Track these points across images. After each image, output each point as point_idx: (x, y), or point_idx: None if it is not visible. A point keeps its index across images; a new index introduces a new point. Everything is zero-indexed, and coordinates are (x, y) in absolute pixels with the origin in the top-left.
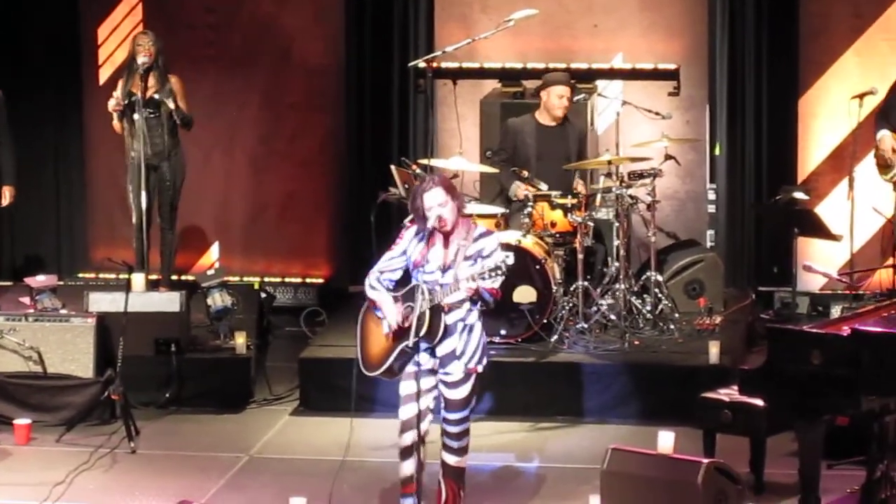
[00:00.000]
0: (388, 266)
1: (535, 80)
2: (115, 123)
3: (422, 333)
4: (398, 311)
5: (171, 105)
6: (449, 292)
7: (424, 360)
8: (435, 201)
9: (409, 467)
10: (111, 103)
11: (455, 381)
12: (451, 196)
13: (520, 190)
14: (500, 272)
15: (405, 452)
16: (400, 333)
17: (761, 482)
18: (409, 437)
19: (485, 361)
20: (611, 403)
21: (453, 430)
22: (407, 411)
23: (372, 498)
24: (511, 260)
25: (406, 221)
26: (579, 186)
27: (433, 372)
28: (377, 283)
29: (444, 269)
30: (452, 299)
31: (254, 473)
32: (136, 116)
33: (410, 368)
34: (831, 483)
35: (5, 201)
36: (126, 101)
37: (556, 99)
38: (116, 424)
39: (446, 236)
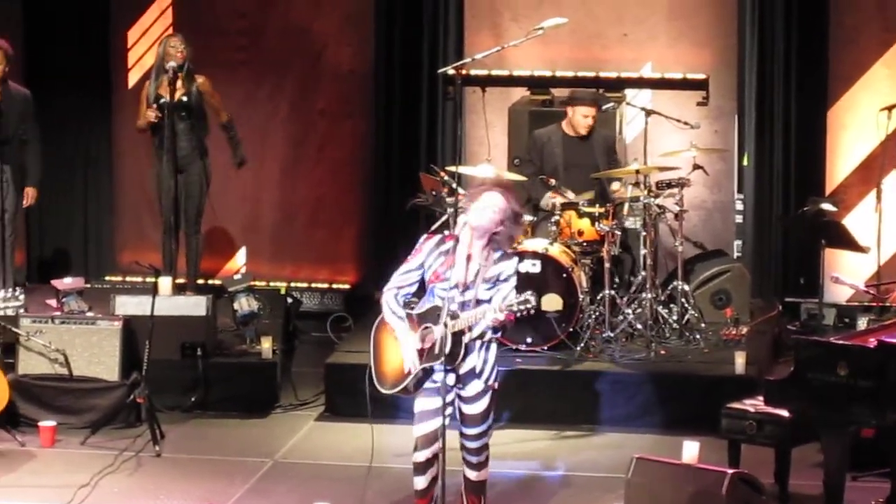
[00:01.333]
0: (404, 280)
1: (564, 88)
2: (142, 124)
3: (442, 358)
4: (415, 343)
5: (237, 156)
6: (472, 320)
7: (440, 376)
8: (490, 200)
9: (422, 482)
10: (150, 115)
11: (473, 396)
12: (503, 217)
13: (553, 203)
14: (528, 305)
15: (420, 468)
16: (418, 354)
17: (786, 493)
18: (424, 454)
19: (499, 376)
20: (636, 412)
21: (472, 445)
22: (422, 428)
23: None
24: (533, 301)
25: (424, 237)
26: (617, 187)
27: (450, 387)
28: (396, 304)
29: (464, 289)
30: (474, 333)
31: (278, 478)
32: (165, 120)
33: (428, 385)
34: (856, 495)
35: (28, 202)
36: (156, 105)
37: (580, 118)
38: (141, 428)
39: (469, 254)
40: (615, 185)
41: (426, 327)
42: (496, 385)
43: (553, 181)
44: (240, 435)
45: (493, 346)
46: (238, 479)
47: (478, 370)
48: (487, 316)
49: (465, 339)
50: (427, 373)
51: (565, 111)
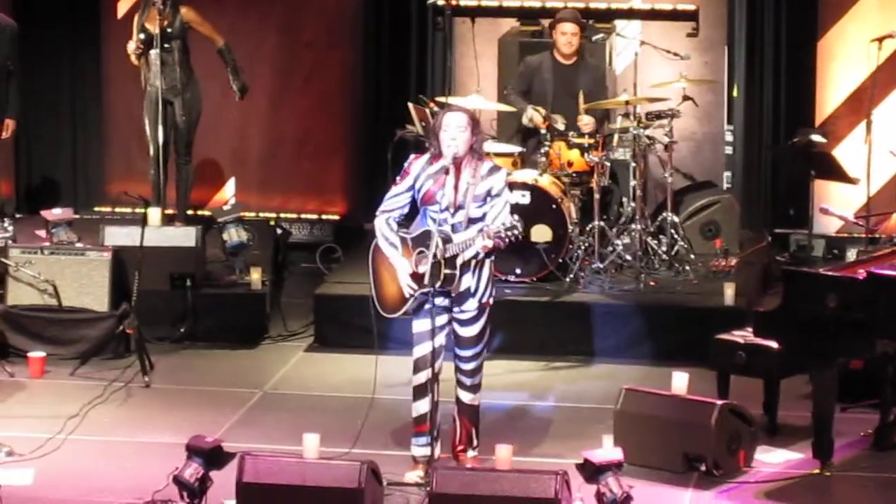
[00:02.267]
0: (395, 203)
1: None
2: (133, 59)
3: (437, 284)
4: (410, 267)
5: (237, 83)
6: (462, 247)
7: (439, 299)
8: (455, 123)
9: (423, 406)
10: (130, 46)
11: (469, 318)
12: (472, 128)
13: (536, 116)
14: (515, 231)
15: (419, 391)
16: (415, 278)
17: (775, 424)
18: (424, 376)
19: (494, 294)
20: (625, 344)
21: (467, 366)
22: (421, 349)
23: (386, 435)
24: (520, 227)
25: (412, 157)
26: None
27: (446, 310)
28: (388, 229)
29: (455, 210)
30: (466, 256)
31: (267, 409)
32: (152, 51)
33: (428, 306)
34: (845, 426)
35: (6, 134)
36: (142, 36)
37: (560, 36)
38: (131, 358)
39: (456, 174)
40: (617, 122)
41: (420, 251)
42: (491, 301)
43: (542, 110)
44: (229, 366)
45: (487, 265)
46: (227, 410)
47: (472, 290)
48: (476, 243)
49: (459, 261)
50: (426, 295)
51: (553, 38)
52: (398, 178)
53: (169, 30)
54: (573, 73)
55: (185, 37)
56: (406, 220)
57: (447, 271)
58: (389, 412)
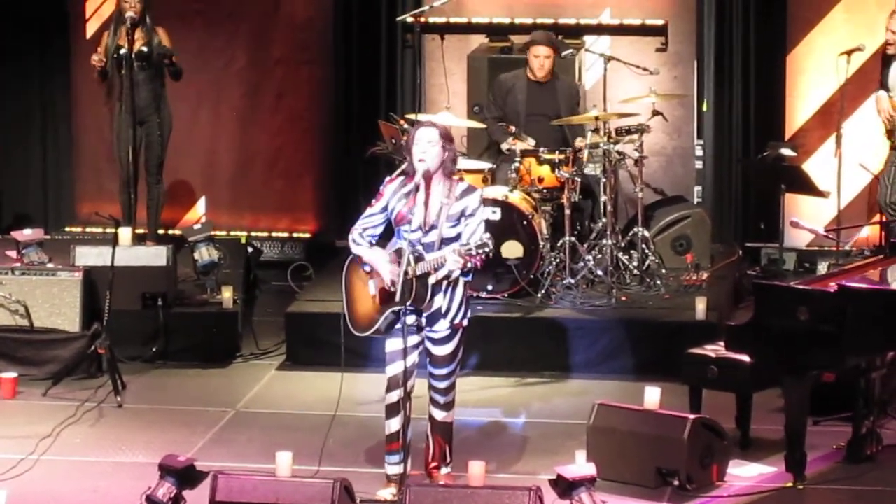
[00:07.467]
0: (369, 223)
1: (523, 35)
2: (96, 77)
3: (409, 301)
4: (386, 258)
5: (165, 55)
6: (437, 263)
7: (411, 318)
8: (426, 138)
9: (395, 424)
10: (94, 58)
11: (442, 338)
12: (444, 142)
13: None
14: (486, 249)
15: (392, 409)
16: (387, 297)
17: (747, 438)
18: (396, 395)
19: (469, 315)
20: (597, 359)
21: (441, 385)
22: (394, 368)
23: (359, 452)
24: (491, 245)
25: (386, 180)
26: (578, 142)
27: (419, 328)
28: (361, 238)
29: (427, 230)
30: (439, 276)
31: (240, 428)
32: (123, 71)
33: (397, 325)
34: (817, 439)
35: None
36: (115, 56)
37: (534, 59)
38: (103, 378)
39: (427, 191)
40: (578, 142)
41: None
42: (465, 324)
43: (513, 129)
44: (201, 385)
45: (461, 287)
46: (200, 429)
47: (443, 310)
48: (449, 259)
49: (431, 280)
50: (398, 314)
51: (527, 58)
52: (373, 199)
53: (145, 49)
54: (547, 93)
55: (161, 56)
56: (383, 242)
57: (419, 289)
58: (363, 430)
